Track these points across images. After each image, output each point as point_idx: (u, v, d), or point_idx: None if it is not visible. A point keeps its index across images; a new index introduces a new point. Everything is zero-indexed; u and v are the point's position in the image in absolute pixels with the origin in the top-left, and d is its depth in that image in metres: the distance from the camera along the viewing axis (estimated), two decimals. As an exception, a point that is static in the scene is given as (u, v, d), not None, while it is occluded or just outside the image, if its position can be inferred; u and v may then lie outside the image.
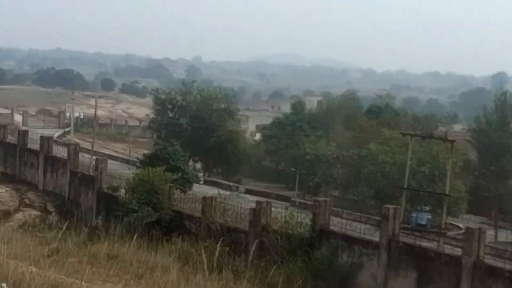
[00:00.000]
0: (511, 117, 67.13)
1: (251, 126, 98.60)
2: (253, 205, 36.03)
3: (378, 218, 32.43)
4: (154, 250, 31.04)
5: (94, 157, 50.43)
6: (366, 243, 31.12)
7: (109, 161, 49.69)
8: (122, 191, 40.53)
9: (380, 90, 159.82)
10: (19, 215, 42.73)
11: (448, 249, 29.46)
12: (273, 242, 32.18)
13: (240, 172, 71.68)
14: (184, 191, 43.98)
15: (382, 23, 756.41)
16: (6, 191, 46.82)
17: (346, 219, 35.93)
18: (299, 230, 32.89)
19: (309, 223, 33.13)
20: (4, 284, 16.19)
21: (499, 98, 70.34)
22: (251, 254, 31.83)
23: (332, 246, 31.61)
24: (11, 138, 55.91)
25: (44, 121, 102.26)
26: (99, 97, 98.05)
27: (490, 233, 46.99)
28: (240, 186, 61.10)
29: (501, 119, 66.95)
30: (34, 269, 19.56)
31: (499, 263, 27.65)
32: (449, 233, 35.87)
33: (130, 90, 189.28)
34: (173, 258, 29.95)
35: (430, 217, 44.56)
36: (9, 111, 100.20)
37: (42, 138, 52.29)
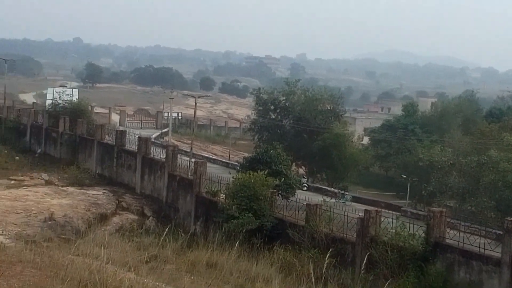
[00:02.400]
0: None
1: (359, 129, 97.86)
2: (361, 214, 35.51)
3: (500, 232, 31.52)
4: (255, 259, 31.06)
5: (192, 160, 51.09)
6: (486, 259, 30.26)
7: (208, 164, 50.01)
8: (222, 196, 40.69)
9: (502, 91, 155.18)
10: (116, 219, 43.59)
11: None
12: (382, 255, 31.71)
13: (346, 179, 70.93)
14: (286, 198, 43.89)
15: (507, 19, 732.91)
16: (103, 193, 47.77)
17: (464, 231, 34.95)
18: (411, 242, 32.29)
19: (423, 235, 32.48)
20: (103, 291, 16.64)
21: None
22: (359, 267, 31.58)
23: (448, 261, 30.95)
24: (109, 139, 56.94)
25: (141, 121, 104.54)
26: (198, 96, 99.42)
27: None
28: (347, 193, 60.61)
29: None
30: (132, 276, 19.93)
31: None
32: None
33: (230, 89, 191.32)
34: (275, 269, 29.91)
35: (557, 232, 43.09)
36: (106, 111, 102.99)
37: (139, 139, 52.73)
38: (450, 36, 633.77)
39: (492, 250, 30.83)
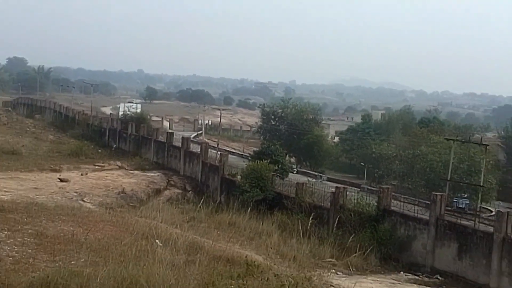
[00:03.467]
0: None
1: (331, 131, 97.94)
2: (333, 189, 35.77)
3: (428, 202, 31.70)
4: (261, 220, 31.21)
5: (218, 152, 51.28)
6: (418, 220, 30.47)
7: (229, 155, 50.37)
8: (238, 177, 40.93)
9: (429, 106, 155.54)
10: (166, 192, 43.93)
11: (482, 227, 28.58)
12: (348, 217, 31.91)
13: (322, 165, 71.19)
14: (282, 178, 44.09)
15: (431, 51, 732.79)
16: (158, 175, 48.28)
17: (403, 202, 35.15)
18: (367, 209, 32.53)
19: (375, 204, 32.77)
20: (158, 241, 16.68)
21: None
22: (332, 225, 31.73)
23: (392, 222, 31.11)
24: (161, 138, 57.48)
25: (183, 126, 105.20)
26: (222, 109, 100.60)
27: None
28: (323, 175, 60.84)
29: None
30: (177, 231, 20.01)
31: (523, 239, 26.53)
32: (483, 215, 34.67)
33: (243, 105, 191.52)
34: (275, 227, 30.12)
35: (467, 202, 43.19)
36: (159, 119, 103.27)
37: (182, 138, 53.46)
38: (393, 66, 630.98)
39: (423, 215, 31.01)
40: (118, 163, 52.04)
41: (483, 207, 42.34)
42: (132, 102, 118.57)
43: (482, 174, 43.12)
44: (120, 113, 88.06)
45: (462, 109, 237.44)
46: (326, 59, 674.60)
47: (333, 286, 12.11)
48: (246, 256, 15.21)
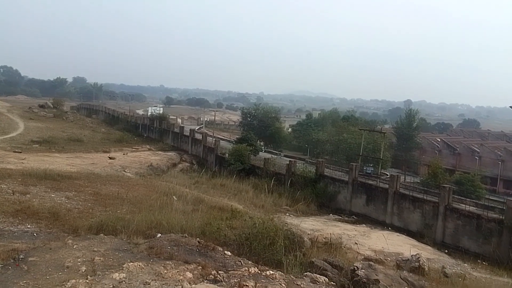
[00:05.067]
0: (412, 121, 65.53)
1: (287, 125, 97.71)
2: (287, 162, 35.98)
3: (347, 169, 31.98)
4: (241, 182, 31.35)
5: (214, 139, 50.92)
6: (341, 181, 30.77)
7: (221, 141, 49.86)
8: (227, 155, 40.74)
9: (349, 108, 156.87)
10: (180, 165, 43.58)
11: (382, 185, 28.93)
12: (297, 180, 32.14)
13: (281, 147, 71.03)
14: (255, 155, 43.96)
15: (347, 68, 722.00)
16: (174, 154, 47.74)
17: (332, 169, 35.37)
18: (309, 174, 32.77)
19: (314, 171, 33.03)
20: (174, 196, 16.69)
21: (407, 112, 69.02)
22: (287, 185, 31.95)
23: (325, 182, 31.39)
24: (176, 130, 56.90)
25: (191, 122, 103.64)
26: (216, 111, 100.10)
27: (402, 178, 46.02)
28: (281, 153, 60.86)
29: (408, 122, 65.29)
30: (187, 190, 20.04)
31: (406, 192, 27.06)
32: (382, 177, 35.18)
33: (230, 108, 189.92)
34: (250, 186, 30.23)
35: (372, 169, 43.62)
36: (174, 117, 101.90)
37: (190, 130, 52.81)
38: (325, 81, 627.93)
39: (344, 177, 31.29)
40: (148, 146, 51.40)
41: (382, 172, 43.00)
42: (157, 107, 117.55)
43: (382, 151, 43.73)
44: (149, 113, 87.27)
45: (369, 110, 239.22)
46: (283, 77, 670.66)
47: (287, 223, 12.26)
48: (231, 206, 15.34)
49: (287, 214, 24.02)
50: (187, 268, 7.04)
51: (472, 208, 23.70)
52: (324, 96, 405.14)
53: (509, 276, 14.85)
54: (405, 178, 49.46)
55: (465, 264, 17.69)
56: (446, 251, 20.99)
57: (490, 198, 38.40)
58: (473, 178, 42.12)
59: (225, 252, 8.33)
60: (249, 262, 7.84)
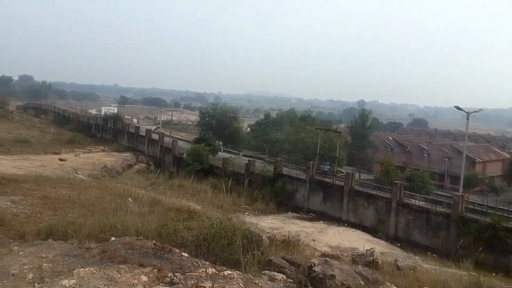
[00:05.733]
0: (366, 121, 67.77)
1: (245, 124, 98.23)
2: (246, 161, 36.05)
3: (305, 168, 32.55)
4: (200, 183, 30.88)
5: (171, 139, 50.03)
6: (299, 179, 31.27)
7: (178, 141, 49.32)
8: (185, 155, 40.20)
9: (306, 108, 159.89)
10: (136, 166, 42.41)
11: (337, 182, 29.72)
12: (255, 179, 32.21)
13: (240, 146, 71.14)
14: (214, 155, 43.67)
15: (306, 66, 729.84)
16: (130, 155, 46.36)
17: (290, 168, 35.87)
18: (268, 173, 32.98)
19: (272, 170, 33.29)
20: (129, 198, 16.19)
21: (360, 112, 71.36)
22: (245, 184, 31.95)
23: (283, 181, 31.76)
24: (131, 130, 55.37)
25: (147, 122, 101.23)
26: (173, 110, 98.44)
27: (357, 175, 47.52)
28: (240, 152, 60.90)
29: (361, 122, 67.49)
30: (143, 191, 19.50)
31: (361, 189, 27.99)
32: (338, 175, 36.13)
33: (188, 107, 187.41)
34: (209, 187, 29.86)
35: (329, 167, 44.67)
36: (130, 117, 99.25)
37: (146, 130, 51.66)
38: (283, 81, 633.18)
39: (302, 176, 31.78)
40: (101, 147, 49.65)
41: (338, 170, 44.12)
42: (111, 106, 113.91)
43: (337, 150, 44.85)
44: (102, 113, 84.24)
45: (325, 110, 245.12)
46: (241, 76, 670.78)
47: (245, 222, 12.25)
48: (188, 206, 15.11)
49: (246, 213, 24.05)
50: (142, 272, 6.84)
51: (422, 203, 24.92)
52: (282, 96, 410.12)
53: (457, 267, 15.70)
54: (359, 176, 51.21)
55: (416, 257, 18.53)
56: (399, 244, 21.91)
57: (438, 193, 40.69)
58: (422, 175, 44.36)
59: (182, 253, 8.18)
60: (207, 263, 7.75)
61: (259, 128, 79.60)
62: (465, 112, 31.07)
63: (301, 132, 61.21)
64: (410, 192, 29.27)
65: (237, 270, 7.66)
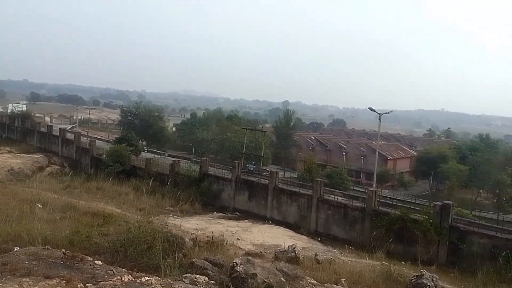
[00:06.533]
0: (290, 121, 69.98)
1: (171, 124, 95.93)
2: (171, 161, 35.19)
3: (231, 167, 32.62)
4: (121, 185, 29.55)
5: (89, 139, 47.06)
6: (225, 179, 31.24)
7: (97, 141, 46.50)
8: (104, 156, 38.06)
9: (233, 109, 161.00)
10: (48, 169, 39.07)
11: (263, 181, 30.19)
12: (181, 179, 31.53)
13: (165, 146, 69.44)
14: (137, 155, 41.95)
15: (232, 65, 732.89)
16: (41, 156, 42.52)
17: (216, 168, 35.71)
18: (193, 173, 32.52)
19: (198, 170, 32.90)
20: (38, 204, 14.87)
21: (284, 112, 73.59)
22: (170, 185, 31.09)
23: (209, 181, 31.47)
24: (43, 129, 51.07)
25: (61, 120, 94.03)
26: (91, 108, 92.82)
27: (280, 173, 48.91)
28: (165, 153, 59.34)
29: (286, 122, 69.57)
30: (55, 196, 18.04)
31: (284, 186, 28.77)
32: (263, 174, 36.81)
33: (108, 105, 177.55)
34: (131, 189, 28.54)
35: (255, 166, 45.40)
36: (42, 115, 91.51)
37: (60, 129, 48.01)
38: (210, 80, 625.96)
39: (228, 175, 31.79)
40: (7, 148, 45.07)
41: (263, 169, 44.99)
42: (19, 103, 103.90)
43: (263, 149, 45.92)
44: (9, 111, 76.56)
45: (252, 110, 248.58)
46: (167, 74, 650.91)
47: (167, 224, 11.87)
48: (103, 210, 14.28)
49: (171, 215, 23.43)
50: (48, 284, 6.25)
51: (340, 199, 26.34)
52: (209, 95, 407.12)
53: (370, 257, 16.82)
54: (284, 174, 52.76)
55: (335, 250, 19.52)
56: (319, 239, 22.92)
57: (355, 189, 43.38)
58: (341, 172, 47.06)
59: (96, 261, 7.64)
60: (123, 270, 7.32)
61: (185, 128, 78.33)
62: (378, 113, 33.51)
63: (228, 131, 61.41)
64: (330, 189, 30.76)
65: (156, 276, 7.35)
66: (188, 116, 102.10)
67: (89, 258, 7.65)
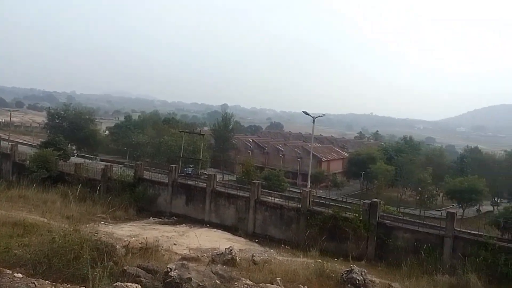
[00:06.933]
0: (228, 124, 70.03)
1: (103, 127, 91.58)
2: (103, 166, 33.57)
3: (168, 171, 31.92)
4: (47, 192, 27.50)
5: (10, 143, 43.39)
6: (161, 183, 30.51)
7: (20, 146, 43.09)
8: (27, 161, 35.33)
9: (170, 112, 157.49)
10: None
11: (201, 184, 29.89)
12: (114, 185, 30.23)
13: (97, 150, 66.16)
14: (65, 161, 39.50)
15: (171, 67, 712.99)
16: (-47, 163, 38.44)
17: (152, 172, 34.70)
18: (127, 178, 31.32)
19: (133, 174, 31.76)
20: None
21: (223, 115, 73.57)
22: (101, 191, 29.64)
23: (144, 186, 30.53)
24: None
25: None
26: (13, 111, 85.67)
27: (219, 176, 48.82)
28: (97, 157, 56.58)
29: (224, 125, 69.55)
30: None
31: (222, 189, 28.75)
32: (202, 177, 36.46)
33: (33, 107, 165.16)
34: (58, 196, 26.60)
35: (193, 170, 44.85)
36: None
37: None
38: (146, 82, 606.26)
39: (164, 179, 31.01)
40: None
41: (202, 172, 44.62)
42: None
43: (201, 152, 45.49)
44: None
45: (190, 112, 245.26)
46: (99, 74, 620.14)
47: (97, 232, 11.29)
48: (24, 220, 13.22)
49: (102, 222, 22.34)
50: (-43, 303, 5.65)
51: (277, 200, 26.89)
52: (145, 98, 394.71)
53: (305, 256, 17.36)
54: (223, 177, 52.75)
55: (272, 250, 19.87)
56: (257, 240, 23.20)
57: (292, 190, 44.61)
58: (278, 174, 48.07)
59: (15, 274, 7.05)
60: (46, 282, 6.83)
61: (119, 131, 75.28)
62: (311, 116, 34.80)
63: (165, 135, 60.03)
64: (267, 190, 31.28)
65: (83, 286, 6.96)
66: (122, 119, 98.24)
67: (8, 271, 7.05)
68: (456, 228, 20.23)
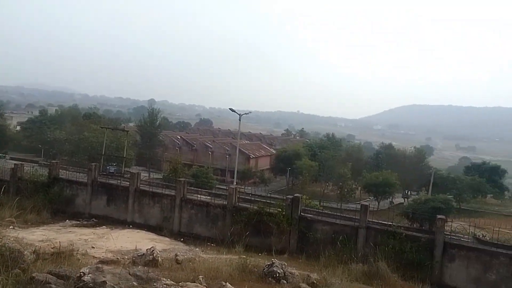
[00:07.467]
0: (155, 120, 67.96)
1: (14, 122, 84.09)
2: (13, 166, 30.74)
3: (87, 170, 30.17)
4: None
5: None
6: (80, 183, 28.70)
7: None
8: None
9: (91, 105, 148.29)
10: None
11: (124, 183, 28.70)
12: (25, 186, 27.76)
13: (7, 148, 60.58)
14: (-34, 160, 35.63)
15: (92, 59, 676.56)
16: None
17: (70, 171, 32.47)
18: (41, 178, 29.03)
19: (47, 173, 29.55)
20: None
21: (149, 111, 71.14)
22: (12, 193, 27.14)
23: (60, 186, 28.45)
24: None
25: None
26: None
27: (145, 174, 47.34)
28: (7, 155, 51.89)
29: (151, 121, 67.44)
30: None
31: (146, 188, 27.97)
32: (125, 176, 34.99)
33: None
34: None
35: (116, 168, 42.91)
36: None
37: None
38: (65, 75, 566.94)
39: (83, 179, 29.32)
40: None
41: (126, 170, 42.96)
42: None
43: (125, 150, 43.74)
44: None
45: (114, 107, 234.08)
46: (10, 64, 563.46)
47: (5, 237, 10.45)
48: None
49: (11, 227, 20.48)
50: None
51: (203, 198, 26.84)
52: (63, 91, 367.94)
53: (230, 252, 17.61)
54: (149, 175, 51.22)
55: (197, 249, 19.82)
56: (182, 239, 22.98)
57: (220, 187, 44.82)
58: (207, 171, 48.05)
59: None
60: None
61: (33, 127, 69.75)
62: (238, 113, 35.28)
63: (85, 131, 56.72)
64: (195, 188, 31.05)
65: (-18, 298, 6.44)
66: (36, 113, 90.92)
67: None
68: (369, 219, 21.89)
